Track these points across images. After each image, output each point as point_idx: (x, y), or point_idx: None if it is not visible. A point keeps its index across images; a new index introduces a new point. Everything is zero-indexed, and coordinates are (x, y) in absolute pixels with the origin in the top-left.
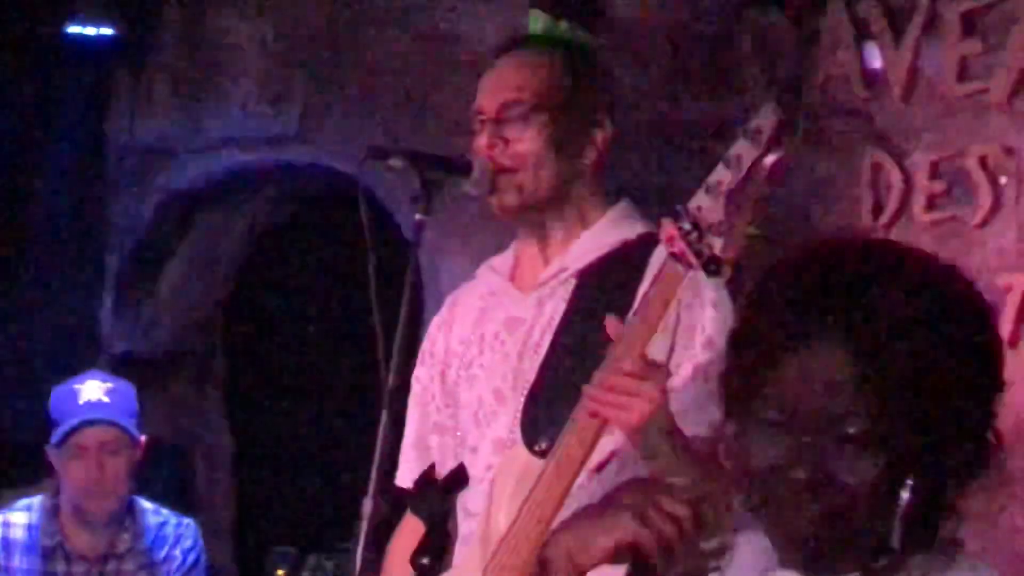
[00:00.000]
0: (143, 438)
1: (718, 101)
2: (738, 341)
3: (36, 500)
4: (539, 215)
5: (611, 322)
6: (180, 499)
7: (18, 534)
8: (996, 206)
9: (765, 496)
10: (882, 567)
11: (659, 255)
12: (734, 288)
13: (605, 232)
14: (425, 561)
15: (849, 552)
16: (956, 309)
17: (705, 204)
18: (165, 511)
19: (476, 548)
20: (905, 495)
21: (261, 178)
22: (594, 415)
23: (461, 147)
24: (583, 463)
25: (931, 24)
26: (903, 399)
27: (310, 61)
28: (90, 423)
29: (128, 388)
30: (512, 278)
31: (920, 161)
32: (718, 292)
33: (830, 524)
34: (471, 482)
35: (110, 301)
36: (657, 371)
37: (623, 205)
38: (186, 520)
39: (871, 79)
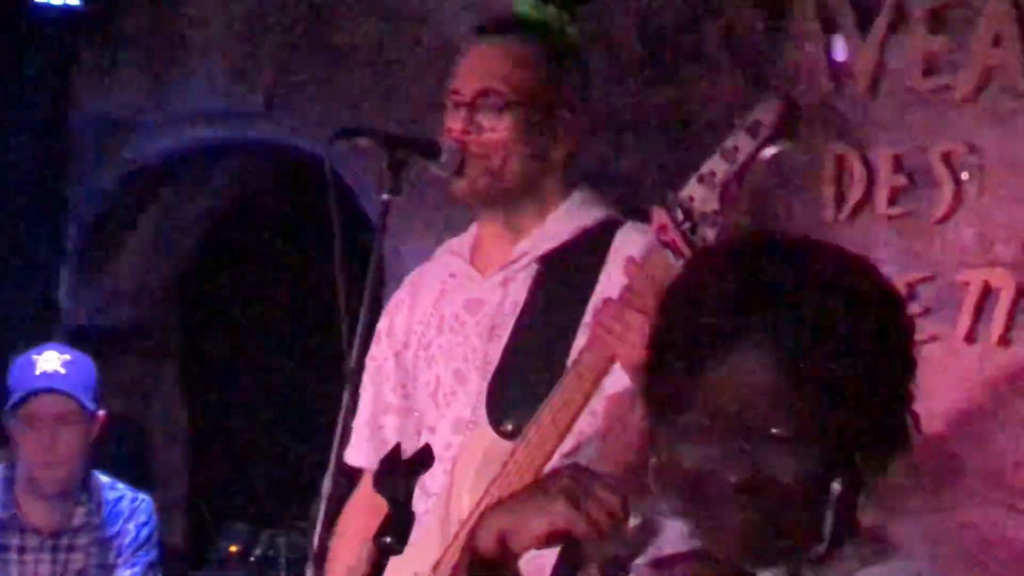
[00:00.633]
0: (101, 413)
1: (685, 88)
2: (660, 347)
3: None
4: (504, 201)
5: (630, 263)
6: (135, 474)
7: None
8: (957, 202)
9: (696, 500)
10: (815, 558)
11: (622, 240)
12: None
13: (568, 218)
14: (388, 540)
15: (781, 546)
16: (870, 303)
17: (698, 194)
18: (121, 485)
19: (435, 528)
20: (836, 487)
21: (225, 154)
22: (597, 342)
23: (429, 129)
24: (557, 446)
25: (898, 19)
26: (828, 396)
27: (278, 37)
28: (43, 392)
29: (86, 361)
30: (472, 260)
31: (883, 155)
32: None
33: (765, 524)
34: None
35: (69, 274)
36: None
37: (584, 191)
38: (142, 495)
39: (837, 72)
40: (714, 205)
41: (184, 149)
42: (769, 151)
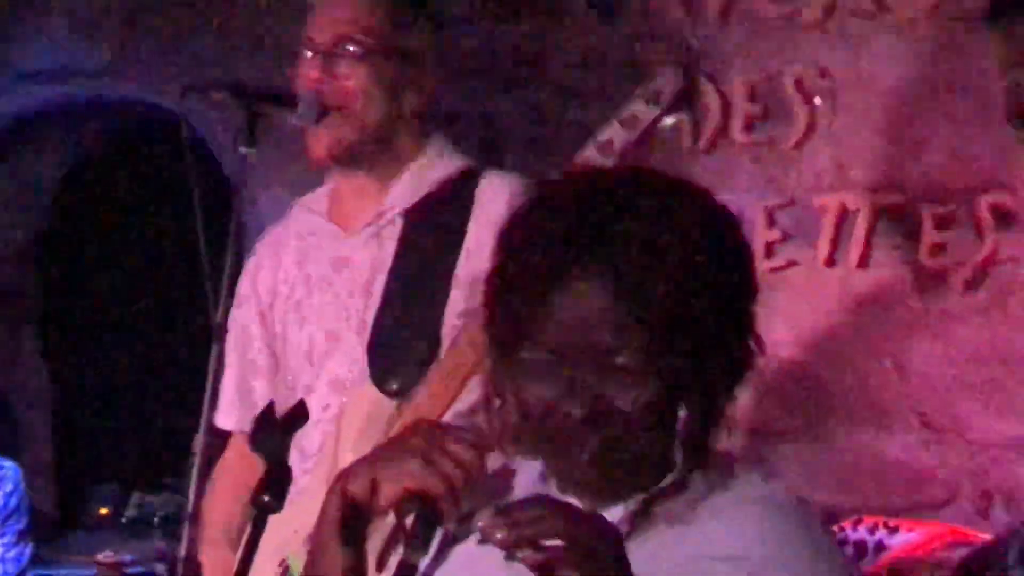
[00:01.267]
0: None
1: (540, 27)
2: (499, 283)
3: None
4: (362, 154)
5: None
6: None
7: None
8: (811, 128)
9: (542, 435)
10: (665, 488)
11: (485, 190)
12: None
13: (427, 169)
14: (267, 499)
15: (631, 478)
16: (703, 229)
17: (597, 162)
18: None
19: (318, 487)
20: (682, 415)
21: (74, 112)
22: None
23: (285, 80)
24: (447, 407)
25: None
26: (667, 323)
27: None
28: None
29: None
30: (331, 217)
31: (737, 83)
32: None
33: (610, 454)
34: None
35: None
36: None
37: (439, 141)
38: (7, 463)
39: (688, 2)
40: None
41: (32, 109)
42: (668, 120)
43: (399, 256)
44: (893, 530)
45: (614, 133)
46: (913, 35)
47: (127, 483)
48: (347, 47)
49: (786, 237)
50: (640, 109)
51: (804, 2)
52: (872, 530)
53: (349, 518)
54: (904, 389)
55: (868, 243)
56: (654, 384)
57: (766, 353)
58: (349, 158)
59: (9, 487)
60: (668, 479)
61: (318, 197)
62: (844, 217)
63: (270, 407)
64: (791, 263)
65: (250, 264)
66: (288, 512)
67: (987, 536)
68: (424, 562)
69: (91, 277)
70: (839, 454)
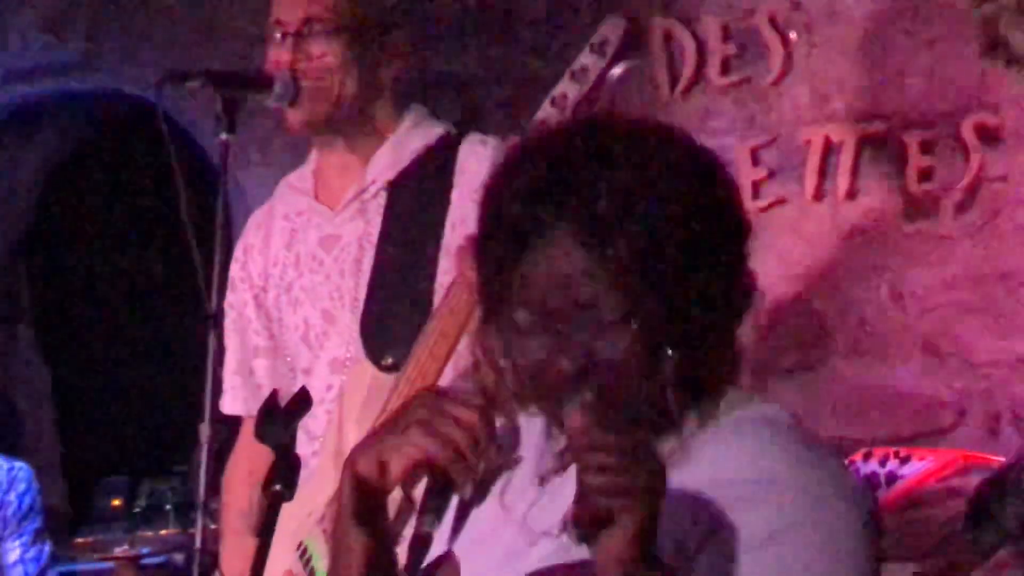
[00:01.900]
0: None
1: None
2: (481, 248)
3: None
4: (341, 128)
5: None
6: (5, 442)
7: None
8: (789, 63)
9: (539, 393)
10: (660, 436)
11: (466, 156)
12: None
13: (406, 139)
14: (278, 488)
15: (629, 425)
16: (679, 168)
17: (552, 117)
18: None
19: (328, 465)
20: (671, 355)
21: (49, 109)
22: (466, 276)
23: (258, 64)
24: (438, 377)
25: None
26: (646, 272)
27: None
28: None
29: None
30: (317, 196)
31: (710, 25)
32: None
33: (603, 405)
34: None
35: None
36: None
37: (416, 110)
38: (19, 464)
39: None
40: None
41: (6, 110)
42: (618, 69)
43: (385, 230)
44: (904, 459)
45: (567, 87)
46: None
47: (136, 473)
48: (315, 26)
49: (772, 175)
50: (589, 60)
51: None
52: (883, 461)
53: (363, 501)
54: (903, 317)
55: (855, 174)
56: (638, 332)
57: (761, 291)
58: (327, 128)
59: (22, 487)
60: (663, 427)
61: (302, 174)
62: (829, 150)
63: (273, 396)
64: (779, 200)
65: (240, 247)
66: (300, 496)
67: (1000, 459)
68: (440, 531)
69: (81, 272)
70: (843, 387)
